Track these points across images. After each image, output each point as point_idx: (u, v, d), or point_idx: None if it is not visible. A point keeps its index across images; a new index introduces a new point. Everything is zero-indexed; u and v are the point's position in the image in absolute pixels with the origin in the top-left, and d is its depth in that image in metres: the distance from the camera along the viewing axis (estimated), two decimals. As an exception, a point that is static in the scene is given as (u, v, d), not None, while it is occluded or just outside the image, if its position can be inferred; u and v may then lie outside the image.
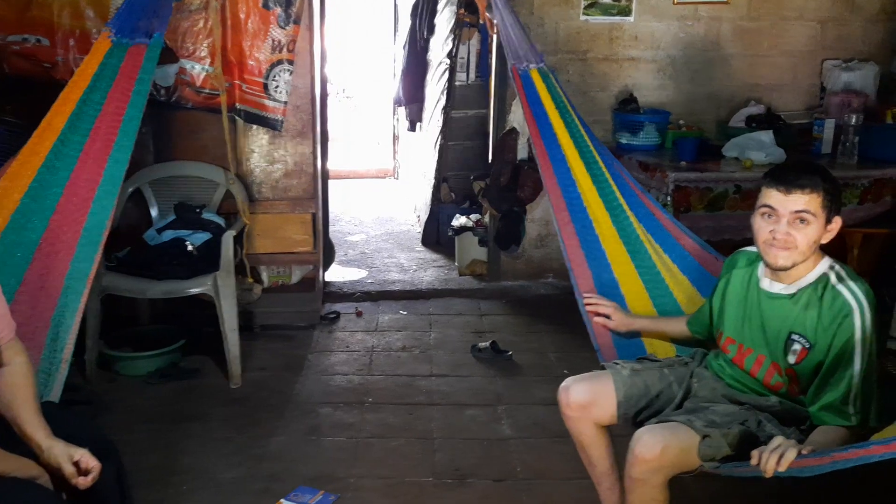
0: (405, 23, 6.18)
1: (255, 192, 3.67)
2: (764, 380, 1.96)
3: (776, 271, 1.90)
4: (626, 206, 2.68)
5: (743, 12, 4.31)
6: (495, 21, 3.18)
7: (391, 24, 7.28)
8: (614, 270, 2.59)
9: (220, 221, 3.38)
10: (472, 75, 5.46)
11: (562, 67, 4.32)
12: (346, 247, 5.49)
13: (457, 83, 5.37)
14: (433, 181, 5.56)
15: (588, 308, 2.43)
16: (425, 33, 5.84)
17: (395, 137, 7.84)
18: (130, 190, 3.41)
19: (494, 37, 4.17)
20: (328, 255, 4.57)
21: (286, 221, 3.66)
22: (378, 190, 7.56)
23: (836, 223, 1.85)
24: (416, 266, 5.06)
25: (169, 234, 3.26)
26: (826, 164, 3.72)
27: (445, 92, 5.35)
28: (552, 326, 3.95)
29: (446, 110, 5.38)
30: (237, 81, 3.46)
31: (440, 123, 5.42)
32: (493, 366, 3.53)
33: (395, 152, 7.96)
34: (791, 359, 1.88)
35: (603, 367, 2.18)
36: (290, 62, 3.50)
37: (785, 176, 1.82)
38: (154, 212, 3.47)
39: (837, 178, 3.49)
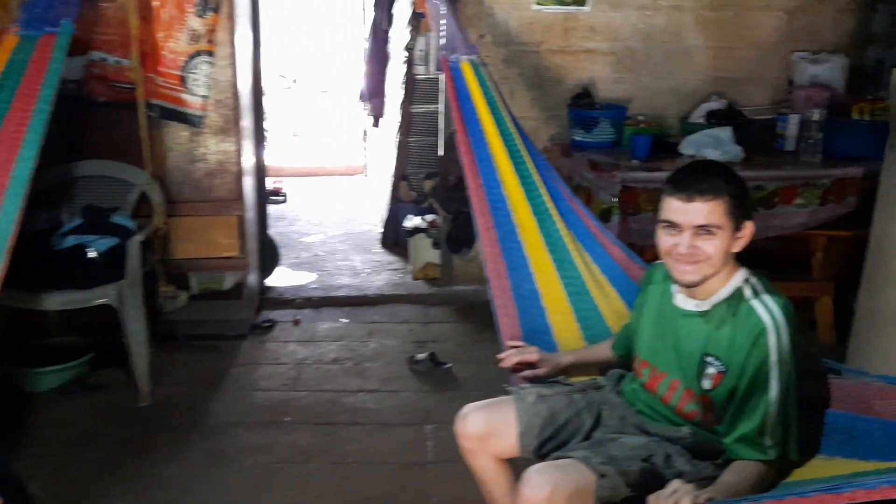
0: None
1: (176, 194, 3.44)
2: (677, 407, 1.74)
3: (688, 287, 1.68)
4: (554, 212, 2.45)
5: (705, 2, 4.05)
6: (429, 9, 2.97)
7: (361, 14, 7.04)
8: (537, 281, 2.35)
9: (131, 225, 3.14)
10: (433, 68, 5.20)
11: (514, 60, 4.08)
12: (300, 248, 5.26)
13: (417, 77, 5.13)
14: (392, 179, 5.35)
15: (509, 362, 2.05)
16: (385, 24, 5.61)
17: (365, 133, 7.60)
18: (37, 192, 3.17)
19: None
20: (270, 259, 4.35)
21: (210, 224, 3.44)
22: (346, 188, 7.32)
23: (748, 229, 1.64)
24: (370, 269, 4.83)
25: (72, 240, 3.02)
26: (789, 162, 3.53)
27: (403, 86, 5.13)
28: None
29: (404, 105, 5.15)
30: (151, 75, 3.23)
31: (398, 119, 5.20)
32: (429, 379, 3.30)
33: (364, 149, 7.72)
34: (706, 384, 1.66)
35: (508, 392, 1.95)
36: (210, 53, 3.26)
37: (685, 181, 1.60)
38: (62, 215, 3.23)
39: (798, 177, 3.36)
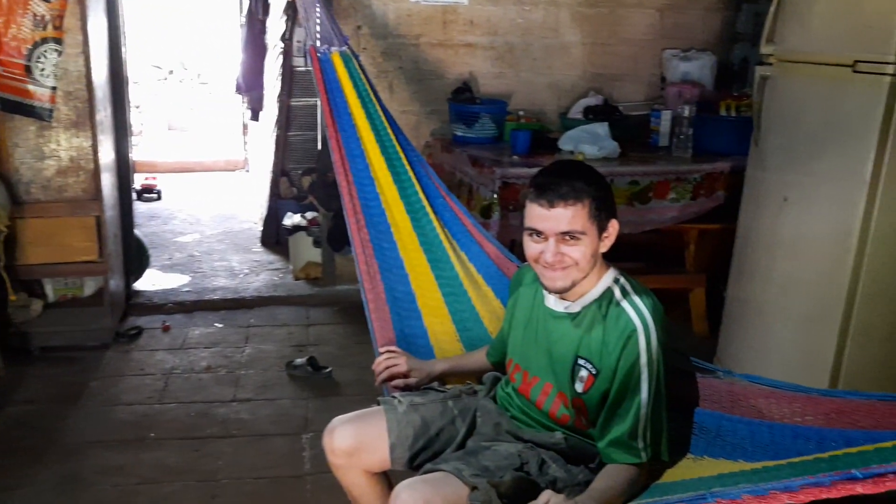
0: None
1: (23, 194, 3.15)
2: (550, 411, 1.70)
3: (558, 293, 1.63)
4: (429, 210, 2.37)
5: (581, -2, 4.11)
6: (299, -2, 2.83)
7: (237, 2, 6.74)
8: (412, 282, 2.27)
9: (-30, 230, 2.85)
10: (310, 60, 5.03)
11: (393, 53, 3.99)
12: (174, 248, 4.99)
13: (295, 69, 4.97)
14: (271, 175, 5.16)
15: (378, 377, 1.97)
16: (261, 13, 5.39)
17: (245, 127, 7.31)
18: None
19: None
20: (138, 262, 4.09)
21: (64, 227, 3.17)
22: (226, 184, 7.03)
23: (613, 227, 1.61)
24: (249, 269, 4.63)
25: None
26: (662, 157, 3.60)
27: (280, 78, 4.95)
28: (381, 336, 3.61)
29: (282, 98, 4.98)
30: (-10, 63, 2.93)
31: (276, 112, 5.02)
32: (308, 385, 3.17)
33: (245, 143, 7.43)
34: (578, 387, 1.62)
35: (379, 403, 1.86)
36: (58, 41, 2.99)
37: (545, 186, 1.55)
38: None
39: (671, 171, 3.43)
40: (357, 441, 1.75)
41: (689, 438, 1.65)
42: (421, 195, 2.38)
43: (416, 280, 2.26)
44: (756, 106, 2.91)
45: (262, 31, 5.43)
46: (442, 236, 2.33)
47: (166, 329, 3.65)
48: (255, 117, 5.97)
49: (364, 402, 2.94)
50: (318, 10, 2.63)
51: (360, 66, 2.53)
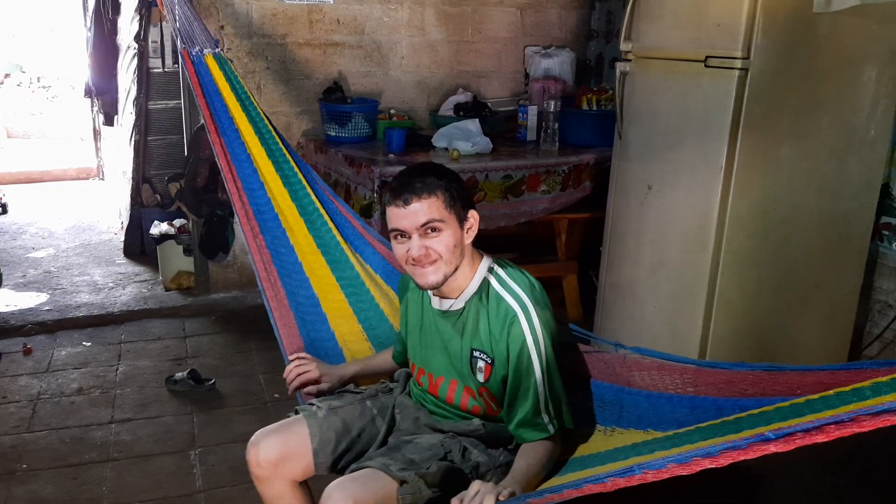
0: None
1: None
2: (461, 405, 1.75)
3: (434, 289, 1.68)
4: (323, 212, 2.34)
5: (445, -4, 4.19)
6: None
7: (79, 1, 6.33)
8: (313, 285, 2.24)
9: None
10: (169, 61, 4.82)
11: (259, 53, 3.91)
12: (27, 265, 4.64)
13: (153, 70, 4.74)
14: (132, 182, 4.90)
15: (290, 386, 1.97)
16: (111, 13, 5.10)
17: (97, 132, 6.89)
18: None
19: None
20: (-11, 282, 3.78)
21: None
22: (79, 193, 6.61)
23: (474, 218, 1.68)
24: (114, 283, 4.38)
25: None
26: (531, 152, 3.74)
27: (136, 81, 4.71)
28: (265, 343, 3.53)
29: (139, 102, 4.74)
30: None
31: (133, 116, 4.77)
32: (191, 399, 3.06)
33: (97, 149, 7.00)
34: (480, 377, 1.69)
35: (297, 411, 1.84)
36: None
37: (399, 188, 1.61)
38: None
39: (540, 165, 3.56)
40: (282, 451, 1.73)
41: (593, 409, 1.74)
42: (313, 197, 2.35)
43: (318, 283, 2.25)
44: (618, 100, 3.07)
45: (113, 31, 5.16)
46: (338, 237, 2.32)
47: (28, 352, 3.41)
48: (108, 122, 5.66)
49: (251, 412, 2.94)
50: (185, 9, 2.54)
51: (234, 68, 2.47)
